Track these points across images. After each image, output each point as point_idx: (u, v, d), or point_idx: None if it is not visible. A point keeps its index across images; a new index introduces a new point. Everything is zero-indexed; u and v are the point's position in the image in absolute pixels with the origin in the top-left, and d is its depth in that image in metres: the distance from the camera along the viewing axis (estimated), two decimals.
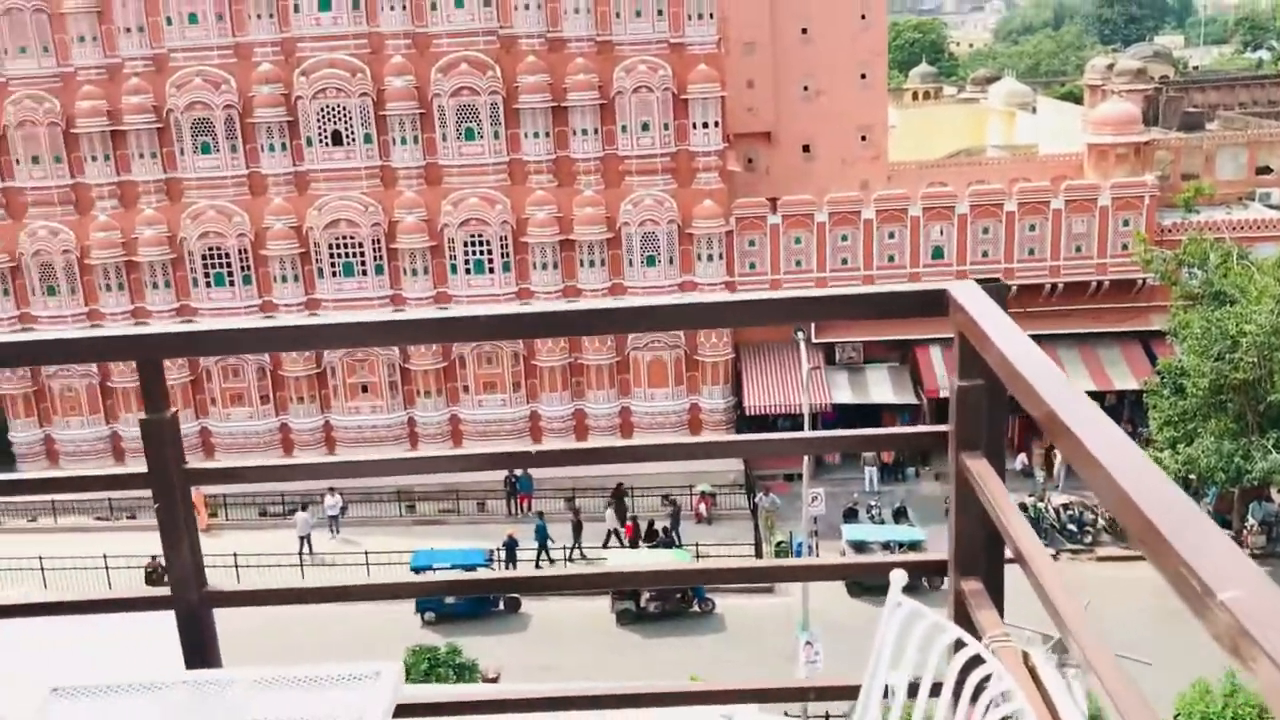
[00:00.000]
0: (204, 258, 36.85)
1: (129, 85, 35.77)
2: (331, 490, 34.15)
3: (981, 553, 2.27)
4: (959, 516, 2.30)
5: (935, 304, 2.27)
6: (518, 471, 34.23)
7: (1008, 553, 2.12)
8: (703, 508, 34.19)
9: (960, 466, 2.24)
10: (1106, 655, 1.60)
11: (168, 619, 2.59)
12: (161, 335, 2.52)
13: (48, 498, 33.17)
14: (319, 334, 2.80)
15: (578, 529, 31.63)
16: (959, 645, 1.90)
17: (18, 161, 36.45)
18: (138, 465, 2.56)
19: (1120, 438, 1.43)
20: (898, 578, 2.05)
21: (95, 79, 36.01)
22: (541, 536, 31.32)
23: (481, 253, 36.72)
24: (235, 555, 28.41)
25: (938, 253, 36.85)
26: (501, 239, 36.56)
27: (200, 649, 2.59)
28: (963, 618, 2.20)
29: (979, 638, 1.97)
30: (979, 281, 2.23)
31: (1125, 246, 36.00)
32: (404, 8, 35.49)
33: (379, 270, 36.83)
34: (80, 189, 36.78)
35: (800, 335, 31.08)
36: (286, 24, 35.73)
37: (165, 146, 36.43)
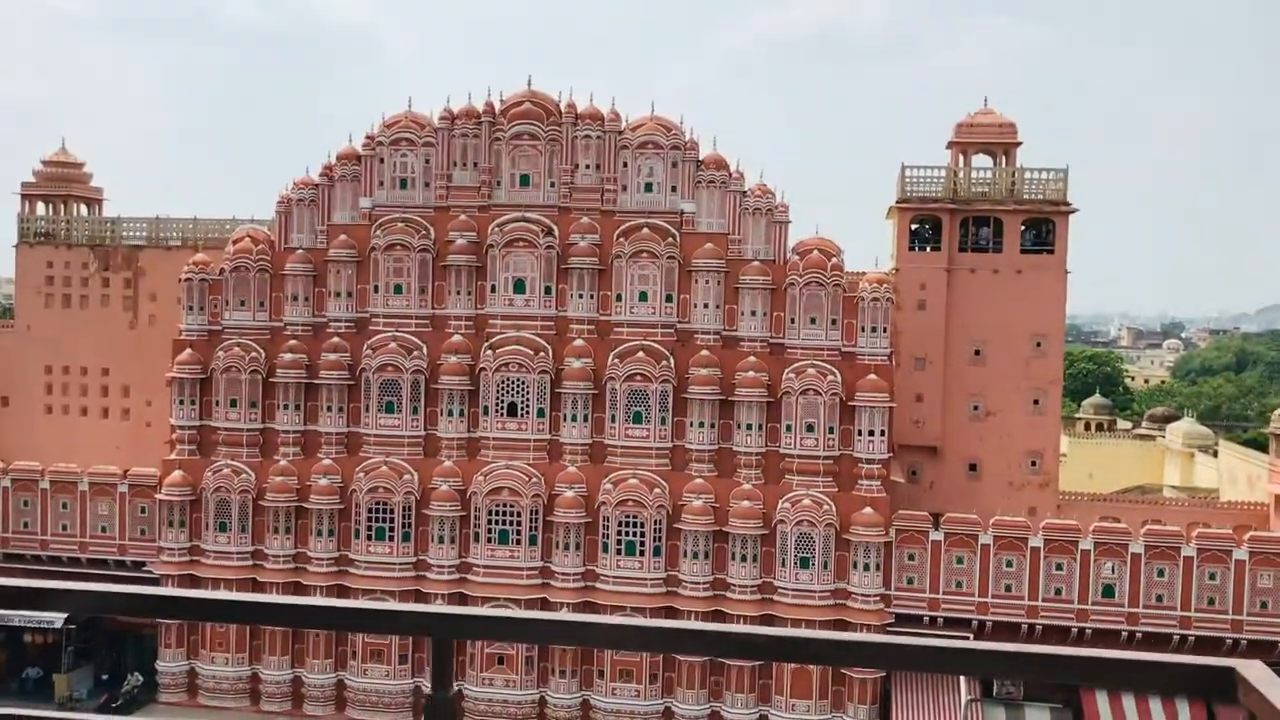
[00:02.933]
0: (369, 510, 38.00)
1: (329, 343, 38.38)
2: None
3: None
4: None
5: (1220, 680, 2.16)
6: None
7: None
8: None
9: None
10: None
11: None
12: (462, 616, 2.53)
13: None
14: (625, 633, 2.62)
15: None
16: None
17: (217, 403, 38.99)
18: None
19: None
20: None
21: (300, 334, 38.80)
22: None
23: (635, 534, 36.77)
24: None
25: (1108, 591, 35.04)
26: (656, 523, 36.65)
27: None
28: None
29: None
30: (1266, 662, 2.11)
31: None
32: (591, 297, 37.47)
33: (533, 541, 37.20)
34: (268, 434, 38.94)
35: None
36: (482, 301, 38.13)
37: (353, 402, 38.52)
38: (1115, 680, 2.29)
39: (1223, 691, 2.13)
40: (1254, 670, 2.07)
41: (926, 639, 2.52)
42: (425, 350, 38.11)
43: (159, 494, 39.23)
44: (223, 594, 2.62)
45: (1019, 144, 42.68)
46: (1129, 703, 33.21)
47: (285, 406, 38.76)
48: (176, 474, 38.92)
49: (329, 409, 38.52)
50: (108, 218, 49.18)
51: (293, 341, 38.75)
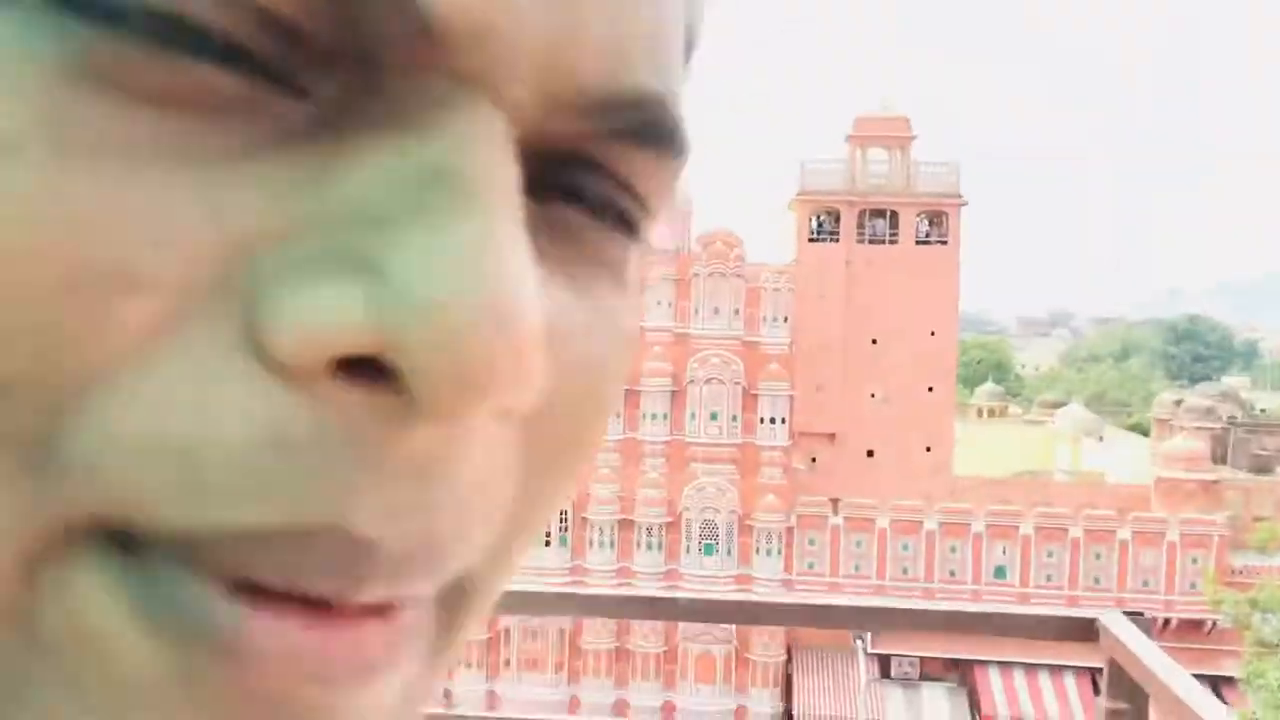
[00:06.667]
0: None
1: None
2: None
3: None
4: None
5: (1083, 631, 2.52)
6: None
7: None
8: None
9: None
10: None
11: None
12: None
13: None
14: None
15: None
16: None
17: None
18: None
19: None
20: None
21: None
22: None
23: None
24: None
25: (1000, 572, 36.19)
26: (563, 514, 36.72)
27: None
28: None
29: None
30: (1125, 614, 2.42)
31: (1194, 585, 35.11)
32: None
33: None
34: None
35: (860, 643, 30.31)
36: None
37: None
38: (996, 627, 2.62)
39: (1085, 637, 2.48)
40: (1112, 617, 2.34)
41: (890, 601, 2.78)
42: None
43: None
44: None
45: (913, 138, 43.70)
46: (1019, 678, 34.44)
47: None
48: None
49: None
50: None
51: None
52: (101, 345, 0.19)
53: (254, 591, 0.21)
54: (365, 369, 0.21)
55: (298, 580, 0.21)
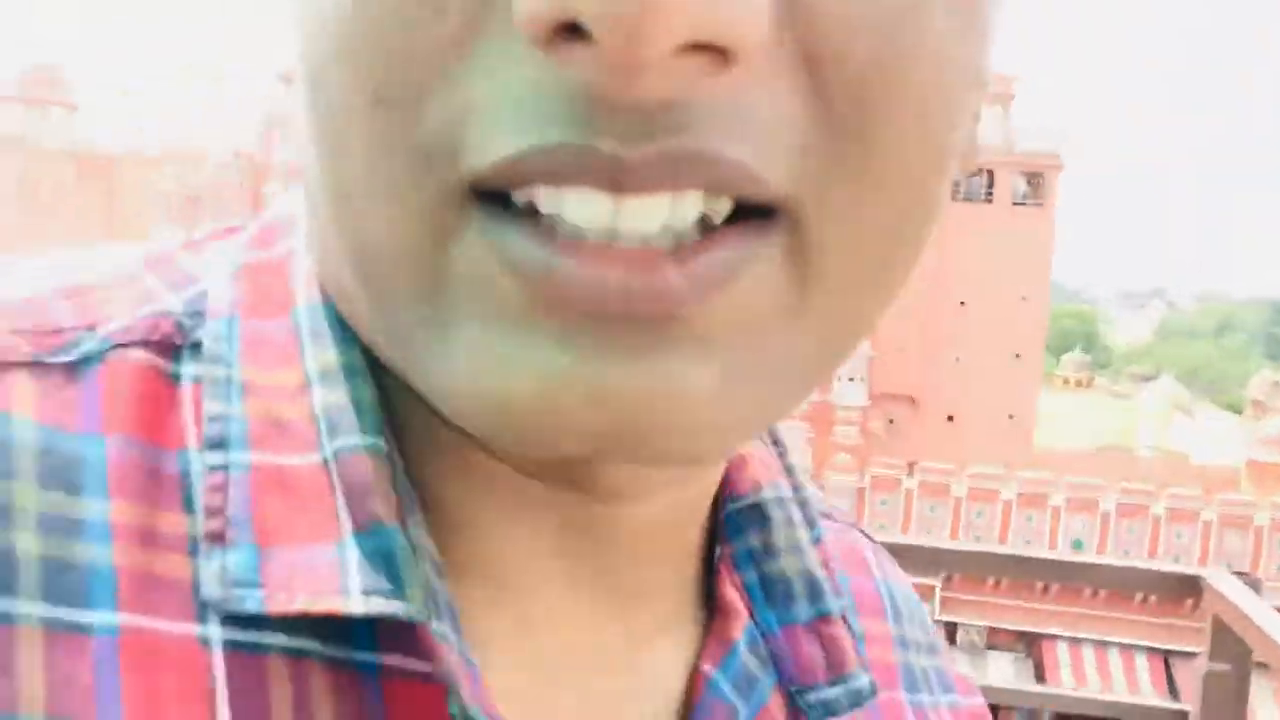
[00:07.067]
0: None
1: None
2: None
3: None
4: None
5: (1187, 587, 2.57)
6: None
7: None
8: None
9: None
10: None
11: None
12: None
13: None
14: None
15: None
16: None
17: None
18: None
19: None
20: None
21: None
22: None
23: None
24: None
25: (1077, 546, 35.43)
26: None
27: None
28: None
29: None
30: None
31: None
32: None
33: None
34: None
35: (926, 608, 29.87)
36: None
37: None
38: (1093, 579, 2.53)
39: (1190, 594, 2.50)
40: (1220, 577, 2.37)
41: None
42: None
43: None
44: None
45: (1013, 96, 42.41)
46: (1088, 652, 33.78)
47: None
48: None
49: None
50: None
51: None
52: (441, 33, 0.28)
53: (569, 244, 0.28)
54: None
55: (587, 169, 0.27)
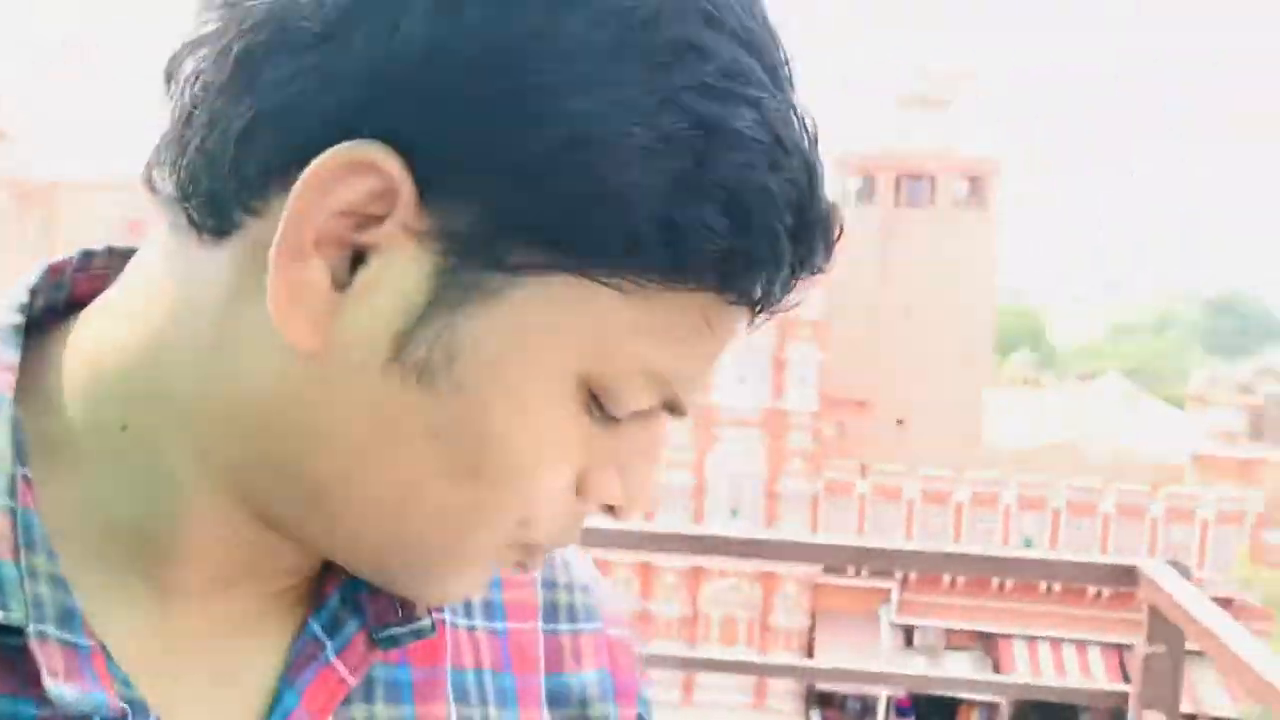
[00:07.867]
0: None
1: None
2: None
3: None
4: None
5: (1123, 577, 2.70)
6: None
7: None
8: None
9: None
10: None
11: None
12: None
13: None
14: None
15: None
16: None
17: None
18: None
19: None
20: None
21: None
22: None
23: None
24: None
25: (1028, 543, 35.82)
26: None
27: None
28: None
29: None
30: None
31: (1227, 563, 34.58)
32: None
33: None
34: None
35: (884, 611, 30.12)
36: None
37: None
38: (1035, 573, 2.64)
39: (1126, 583, 2.65)
40: (1154, 566, 2.50)
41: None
42: None
43: None
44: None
45: (952, 101, 42.91)
46: (1044, 648, 34.17)
47: None
48: None
49: None
50: None
51: None
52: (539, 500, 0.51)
53: None
54: None
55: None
